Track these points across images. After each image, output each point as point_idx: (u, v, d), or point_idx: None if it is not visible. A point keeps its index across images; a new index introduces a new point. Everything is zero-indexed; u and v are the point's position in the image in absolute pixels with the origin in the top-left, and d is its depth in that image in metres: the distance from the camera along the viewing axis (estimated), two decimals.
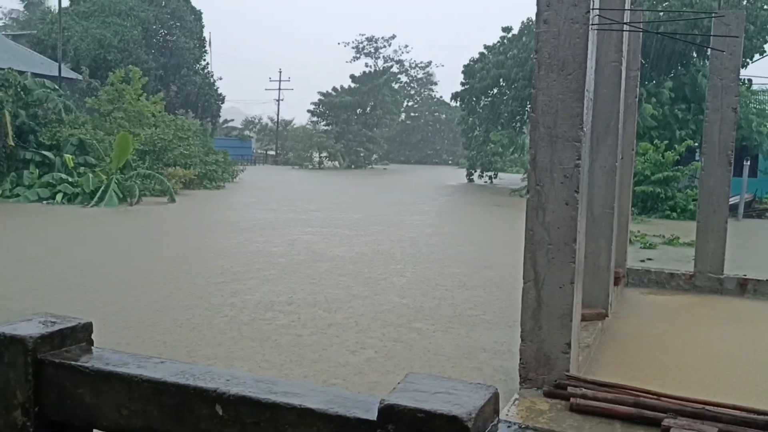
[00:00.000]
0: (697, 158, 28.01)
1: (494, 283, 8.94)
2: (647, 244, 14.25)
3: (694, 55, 30.17)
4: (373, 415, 1.95)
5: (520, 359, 4.70)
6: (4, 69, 27.19)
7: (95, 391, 2.27)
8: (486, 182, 42.41)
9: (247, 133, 78.65)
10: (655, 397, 4.31)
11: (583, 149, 4.58)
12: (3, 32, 52.99)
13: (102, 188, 21.13)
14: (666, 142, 26.12)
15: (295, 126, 78.86)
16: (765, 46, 28.88)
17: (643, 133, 25.81)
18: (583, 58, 4.51)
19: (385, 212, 15.99)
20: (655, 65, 28.25)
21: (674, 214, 24.00)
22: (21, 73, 27.94)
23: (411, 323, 6.89)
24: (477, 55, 42.76)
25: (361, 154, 69.70)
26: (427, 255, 10.92)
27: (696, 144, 27.37)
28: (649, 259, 11.87)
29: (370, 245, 11.80)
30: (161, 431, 2.21)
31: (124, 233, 12.03)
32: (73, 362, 2.29)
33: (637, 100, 9.64)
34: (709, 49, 9.93)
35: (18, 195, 21.96)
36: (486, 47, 42.49)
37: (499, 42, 41.59)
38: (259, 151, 79.37)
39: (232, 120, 77.33)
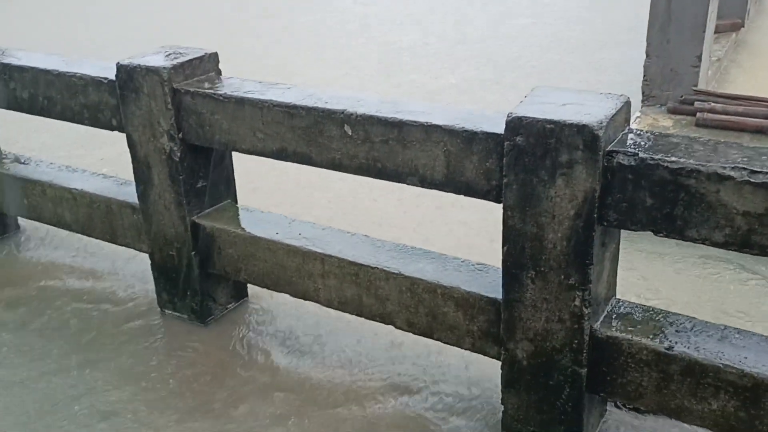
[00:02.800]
0: None
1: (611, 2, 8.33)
2: None
3: None
4: (500, 129, 1.95)
5: (644, 76, 4.48)
6: None
7: (231, 117, 2.40)
8: None
9: None
10: None
11: None
12: None
13: None
14: None
15: None
16: None
17: None
18: None
19: None
20: None
21: None
22: None
23: (526, 43, 6.67)
24: None
25: None
26: None
27: None
28: None
29: None
30: (295, 152, 2.35)
31: None
32: (207, 90, 2.40)
33: None
34: None
35: None
36: None
37: None
38: None
39: None
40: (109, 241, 3.00)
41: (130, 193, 2.81)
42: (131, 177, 2.71)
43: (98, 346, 2.69)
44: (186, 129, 2.49)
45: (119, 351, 2.65)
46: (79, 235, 3.13)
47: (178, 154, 2.50)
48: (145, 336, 2.73)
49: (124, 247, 3.00)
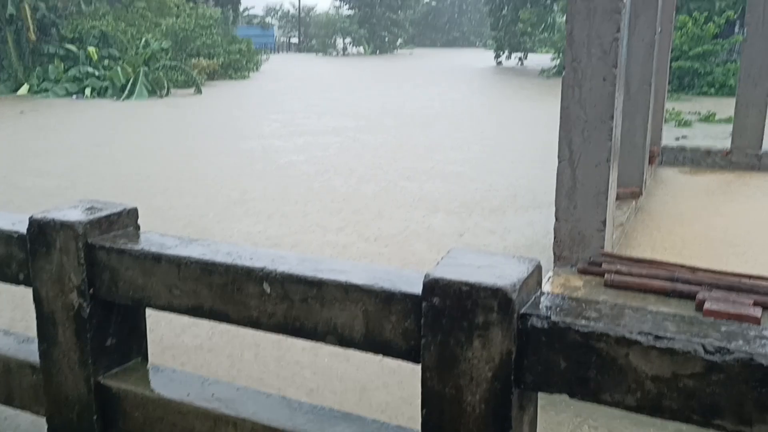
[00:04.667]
0: (737, 31, 26.77)
1: (522, 165, 8.92)
2: (683, 122, 13.93)
3: None
4: (417, 290, 1.99)
5: (555, 238, 4.72)
6: None
7: (146, 273, 2.35)
8: (517, 64, 41.17)
9: (268, 20, 76.95)
10: (689, 271, 4.34)
11: (622, 22, 4.38)
12: None
13: (131, 81, 20.91)
14: (705, 14, 24.90)
15: (317, 12, 76.72)
16: None
17: (681, 5, 24.58)
18: None
19: (411, 96, 15.86)
20: None
21: (712, 90, 23.19)
22: None
23: (443, 204, 6.98)
24: None
25: (386, 39, 67.68)
26: (453, 141, 10.89)
27: (737, 16, 26.06)
28: (684, 137, 11.63)
29: (400, 130, 11.78)
30: (212, 310, 2.30)
31: (164, 124, 12.13)
32: (122, 246, 2.36)
33: None
34: None
35: (46, 90, 21.86)
36: None
37: None
38: (281, 39, 77.91)
39: (253, 7, 75.23)
40: (3, 404, 2.77)
41: (31, 351, 2.65)
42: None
43: None
44: (98, 285, 2.41)
45: None
46: None
47: (88, 311, 2.40)
48: None
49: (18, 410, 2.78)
